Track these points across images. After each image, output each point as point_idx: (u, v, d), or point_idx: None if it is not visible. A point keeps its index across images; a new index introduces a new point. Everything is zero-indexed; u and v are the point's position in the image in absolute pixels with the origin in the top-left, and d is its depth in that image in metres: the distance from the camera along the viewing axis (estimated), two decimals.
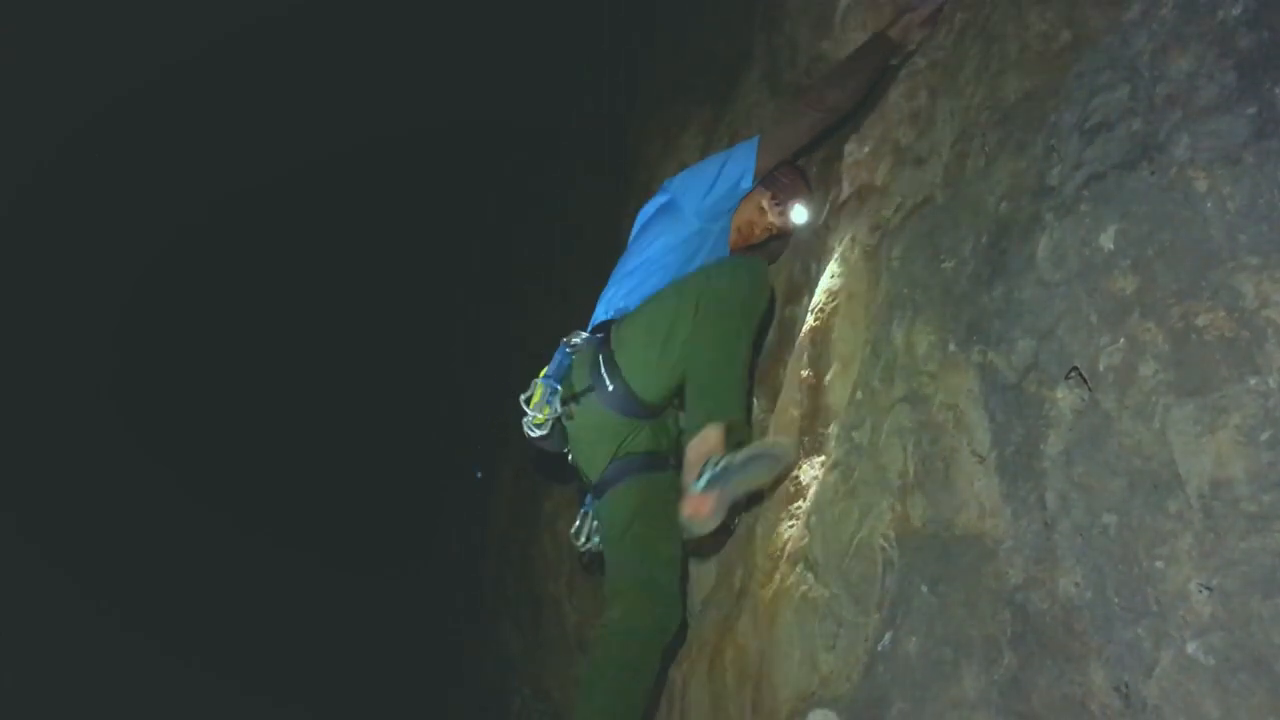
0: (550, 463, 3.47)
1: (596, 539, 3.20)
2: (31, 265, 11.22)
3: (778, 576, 2.70)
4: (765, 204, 3.18)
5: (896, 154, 2.76)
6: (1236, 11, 1.46)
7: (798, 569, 2.60)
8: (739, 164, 3.07)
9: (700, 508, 2.58)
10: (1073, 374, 1.68)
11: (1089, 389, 1.63)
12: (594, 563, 3.43)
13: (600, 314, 3.24)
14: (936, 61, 2.71)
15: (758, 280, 2.92)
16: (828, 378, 2.67)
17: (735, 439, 2.75)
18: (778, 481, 2.72)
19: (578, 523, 3.26)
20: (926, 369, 2.16)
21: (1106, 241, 1.62)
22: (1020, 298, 1.84)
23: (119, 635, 10.06)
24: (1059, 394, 1.71)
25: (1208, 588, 1.34)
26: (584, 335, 3.15)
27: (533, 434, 3.11)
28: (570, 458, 3.23)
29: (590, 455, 3.10)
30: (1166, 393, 1.45)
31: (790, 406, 2.82)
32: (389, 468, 11.40)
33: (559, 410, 3.04)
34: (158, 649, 9.91)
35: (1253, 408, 1.32)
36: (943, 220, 2.27)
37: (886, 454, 2.27)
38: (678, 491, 2.77)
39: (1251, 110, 1.38)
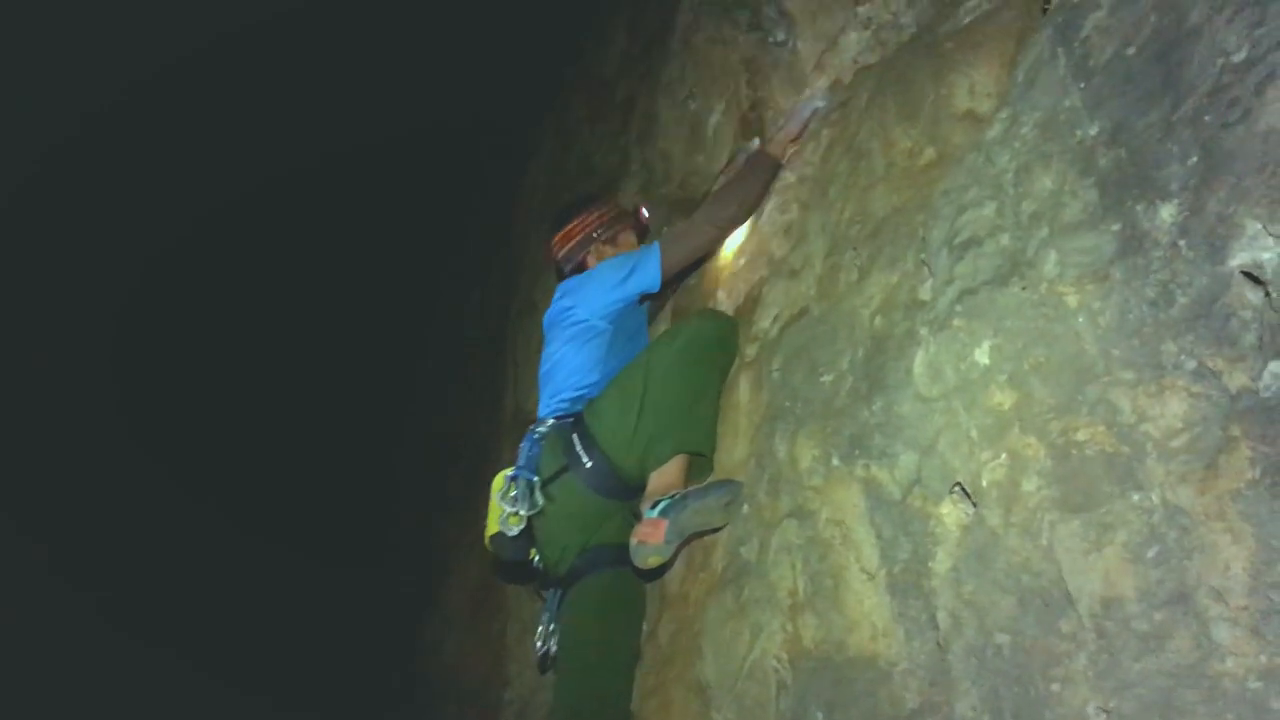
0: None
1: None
2: (31, 265, 11.22)
3: (671, 700, 2.61)
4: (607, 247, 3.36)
5: (771, 265, 2.78)
6: (1094, 131, 1.50)
7: (690, 692, 2.51)
8: (643, 277, 3.08)
9: (651, 533, 2.49)
10: (956, 489, 1.66)
11: (973, 505, 1.60)
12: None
13: (548, 409, 3.16)
14: (805, 176, 2.76)
15: (726, 329, 2.87)
16: None
17: (698, 474, 2.71)
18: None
19: (540, 627, 3.11)
20: (811, 483, 2.13)
21: (982, 357, 1.62)
22: (900, 412, 1.83)
23: (118, 635, 9.95)
24: (944, 510, 1.68)
25: (1105, 710, 1.30)
26: (550, 422, 3.06)
27: (510, 533, 2.97)
28: (535, 560, 3.11)
29: (562, 545, 2.98)
30: (1051, 509, 1.43)
31: None
32: (390, 468, 11.24)
33: (539, 503, 2.91)
34: (157, 649, 9.81)
35: (1138, 524, 1.30)
36: (819, 333, 2.27)
37: (775, 571, 2.21)
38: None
39: (1116, 227, 1.40)
